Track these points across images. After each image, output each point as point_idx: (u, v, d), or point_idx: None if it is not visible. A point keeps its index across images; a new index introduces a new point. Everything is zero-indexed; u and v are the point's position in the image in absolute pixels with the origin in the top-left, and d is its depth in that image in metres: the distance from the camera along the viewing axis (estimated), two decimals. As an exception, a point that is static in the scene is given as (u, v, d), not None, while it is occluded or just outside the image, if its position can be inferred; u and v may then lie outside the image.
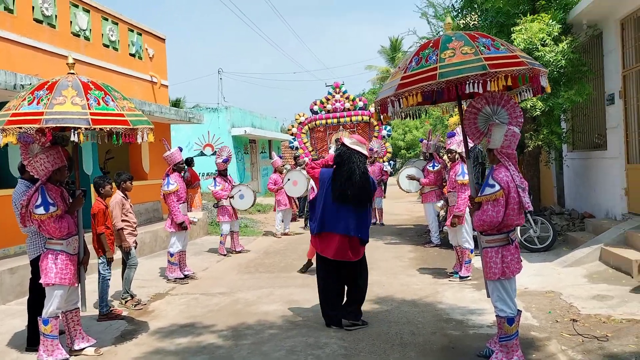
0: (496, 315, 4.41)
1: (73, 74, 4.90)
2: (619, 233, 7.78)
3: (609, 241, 7.74)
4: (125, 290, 6.89)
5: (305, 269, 8.38)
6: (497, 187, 4.23)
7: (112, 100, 4.80)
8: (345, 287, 5.80)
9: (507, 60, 4.11)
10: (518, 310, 4.42)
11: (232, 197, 10.43)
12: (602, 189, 9.52)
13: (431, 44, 4.34)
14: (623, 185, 8.69)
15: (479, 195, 4.38)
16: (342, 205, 5.47)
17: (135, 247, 6.92)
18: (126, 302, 6.84)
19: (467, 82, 4.17)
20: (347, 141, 5.69)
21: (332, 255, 5.53)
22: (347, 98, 16.92)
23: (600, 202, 9.60)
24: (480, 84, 4.16)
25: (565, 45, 8.55)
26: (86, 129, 4.61)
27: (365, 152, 5.67)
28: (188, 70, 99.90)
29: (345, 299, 5.79)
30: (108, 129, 4.74)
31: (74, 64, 5.09)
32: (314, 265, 7.88)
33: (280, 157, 13.12)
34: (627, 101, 8.60)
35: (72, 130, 4.55)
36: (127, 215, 6.80)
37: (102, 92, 4.80)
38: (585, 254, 7.76)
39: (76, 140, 4.55)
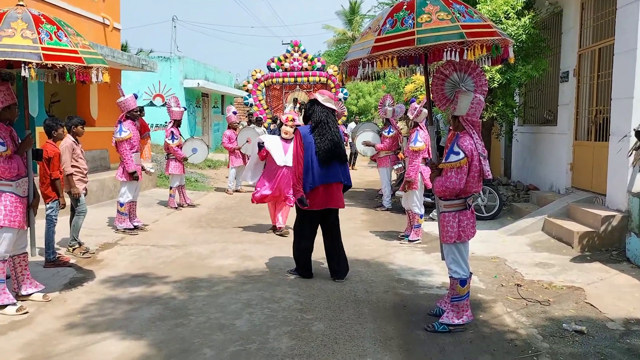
0: (450, 277, 4.55)
1: (22, 5, 4.59)
2: (562, 206, 8.14)
3: (552, 213, 8.10)
4: (73, 238, 6.69)
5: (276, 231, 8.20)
6: (462, 155, 4.29)
7: (65, 35, 4.55)
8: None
9: (482, 30, 4.13)
10: (470, 272, 4.59)
11: (188, 157, 10.63)
12: (548, 163, 9.90)
13: (405, 6, 4.24)
14: (569, 161, 9.06)
15: (443, 162, 4.44)
16: (328, 162, 5.71)
17: (85, 194, 6.69)
18: (74, 249, 6.65)
19: (445, 50, 4.18)
20: (320, 98, 5.80)
21: (327, 204, 5.75)
22: (306, 57, 16.72)
23: (545, 175, 9.99)
24: (457, 52, 4.18)
25: (527, 19, 8.70)
26: (37, 64, 4.36)
27: (336, 107, 5.93)
28: (138, 16, 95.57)
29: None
30: (60, 65, 4.50)
31: (25, -6, 4.76)
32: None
33: (235, 113, 12.89)
34: (580, 79, 8.89)
35: (23, 65, 4.29)
36: (77, 161, 6.55)
37: (55, 26, 4.53)
38: (529, 224, 8.10)
39: (27, 75, 4.29)
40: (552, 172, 9.69)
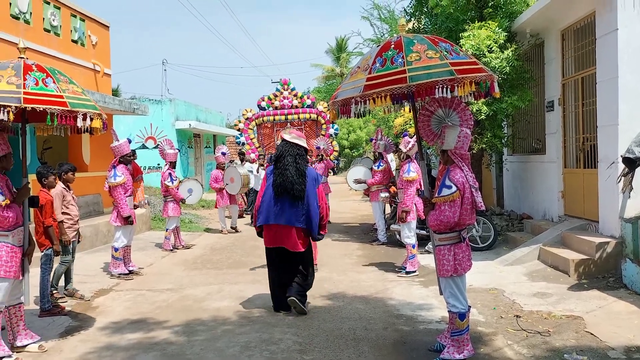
0: (448, 311, 4.55)
1: (22, 58, 4.73)
2: (556, 234, 8.18)
3: (547, 241, 8.13)
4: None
5: None
6: (454, 189, 4.35)
7: (54, 82, 4.66)
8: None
9: (470, 67, 4.24)
10: (468, 305, 4.58)
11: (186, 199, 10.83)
12: (539, 191, 9.99)
13: (392, 46, 4.34)
14: (560, 188, 9.15)
15: (436, 196, 4.49)
16: (280, 198, 5.80)
17: (78, 241, 6.65)
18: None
19: (437, 87, 4.28)
20: (287, 136, 6.09)
21: (274, 244, 5.90)
22: (295, 95, 16.89)
23: (538, 204, 10.06)
24: (448, 89, 4.28)
25: (510, 52, 8.91)
26: (16, 107, 4.41)
27: (303, 144, 6.04)
28: (130, 60, 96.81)
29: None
30: (41, 109, 4.54)
31: (25, 49, 4.92)
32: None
33: (224, 154, 13.10)
34: (566, 108, 9.06)
35: (2, 109, 4.35)
36: (68, 208, 6.53)
37: (45, 73, 4.67)
38: (525, 254, 8.12)
39: (5, 118, 4.34)
40: (544, 200, 9.76)
